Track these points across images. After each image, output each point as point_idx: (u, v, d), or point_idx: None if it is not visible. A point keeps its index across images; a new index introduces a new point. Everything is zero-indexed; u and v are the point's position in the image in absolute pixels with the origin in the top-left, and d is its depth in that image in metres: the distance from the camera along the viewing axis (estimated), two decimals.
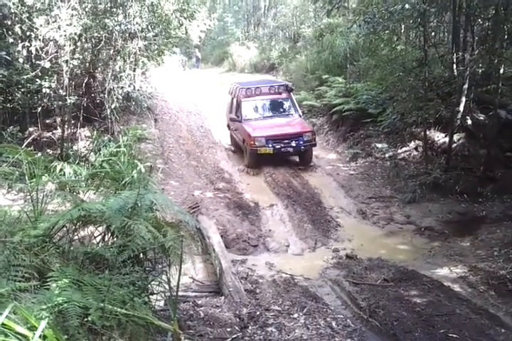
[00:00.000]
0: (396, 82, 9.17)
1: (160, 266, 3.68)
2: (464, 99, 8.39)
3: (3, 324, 1.73)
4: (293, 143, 9.95)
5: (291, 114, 11.06)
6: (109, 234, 3.65)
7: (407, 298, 4.92)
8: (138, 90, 11.03)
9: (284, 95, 11.25)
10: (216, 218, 7.49)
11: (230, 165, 10.54)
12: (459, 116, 8.38)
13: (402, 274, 5.52)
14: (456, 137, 8.33)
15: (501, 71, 7.87)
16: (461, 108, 8.40)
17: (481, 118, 8.55)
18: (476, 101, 8.68)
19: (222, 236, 6.72)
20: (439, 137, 8.82)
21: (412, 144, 9.23)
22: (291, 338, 3.86)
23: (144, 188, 3.29)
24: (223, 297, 4.96)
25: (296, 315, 4.29)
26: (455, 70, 8.39)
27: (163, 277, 3.41)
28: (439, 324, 4.38)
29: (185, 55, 23.73)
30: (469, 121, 8.56)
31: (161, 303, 3.80)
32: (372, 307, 4.86)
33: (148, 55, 10.64)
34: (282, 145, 9.97)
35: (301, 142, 9.98)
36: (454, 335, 4.19)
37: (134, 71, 10.39)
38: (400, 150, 9.46)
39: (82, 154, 8.93)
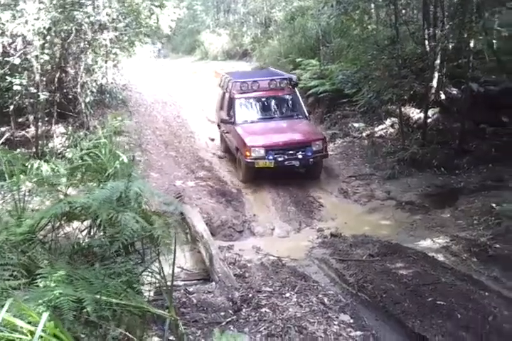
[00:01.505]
0: (370, 61, 9.23)
1: (149, 257, 3.70)
2: (436, 74, 8.52)
3: (3, 319, 1.73)
4: (299, 155, 8.01)
5: (296, 116, 9.08)
6: (96, 228, 3.65)
7: (394, 271, 5.05)
8: (111, 83, 10.85)
9: (286, 91, 9.25)
10: (200, 206, 7.51)
11: (209, 154, 10.51)
12: (433, 91, 8.53)
13: (386, 248, 5.65)
14: (430, 112, 8.47)
15: (471, 45, 8.00)
16: (435, 83, 8.53)
17: (454, 92, 8.71)
18: (448, 75, 8.83)
19: (207, 224, 6.74)
20: (414, 113, 8.95)
21: (388, 122, 9.36)
22: (286, 317, 3.94)
23: (129, 178, 3.27)
24: (214, 283, 5.01)
25: (288, 295, 4.37)
26: (427, 46, 8.49)
27: (153, 267, 3.44)
28: (427, 293, 4.52)
29: (157, 46, 23.38)
30: (443, 96, 8.71)
31: (151, 294, 3.83)
32: (360, 282, 4.98)
33: (120, 46, 10.43)
34: (286, 157, 8.03)
35: (310, 153, 8.02)
36: (442, 302, 4.33)
37: (106, 63, 10.20)
38: (376, 129, 9.58)
39: (59, 151, 8.80)
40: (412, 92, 8.86)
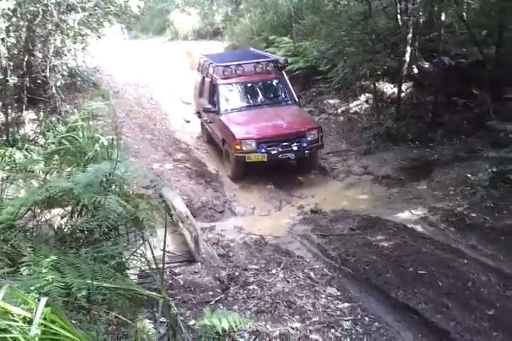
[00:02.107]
0: (343, 36, 9.21)
1: (133, 240, 3.69)
2: (409, 48, 8.57)
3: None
4: (294, 146, 7.35)
5: (286, 102, 8.39)
6: (78, 213, 3.60)
7: (375, 243, 5.17)
8: (82, 65, 10.53)
9: (274, 75, 8.52)
10: (179, 189, 7.47)
11: (185, 136, 10.41)
12: (406, 65, 8.58)
13: (366, 222, 5.77)
14: (404, 87, 8.55)
15: (442, 18, 8.04)
16: (407, 57, 8.58)
17: (426, 66, 8.79)
18: (420, 49, 8.89)
19: (187, 205, 6.73)
20: (388, 88, 9.03)
21: (363, 97, 9.41)
22: (274, 293, 4.01)
23: (113, 161, 3.21)
24: (199, 263, 5.03)
25: (274, 271, 4.44)
26: (399, 20, 8.50)
27: (138, 251, 3.43)
28: (408, 263, 4.65)
29: (126, 27, 22.72)
30: (416, 70, 8.79)
31: (135, 277, 3.83)
32: (342, 255, 5.08)
33: (89, 27, 10.08)
34: (280, 149, 7.34)
35: (305, 144, 7.39)
36: (423, 272, 4.47)
37: (75, 44, 9.87)
38: (351, 105, 9.62)
39: (31, 138, 8.57)
40: (385, 67, 8.92)
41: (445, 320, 3.80)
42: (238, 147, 7.38)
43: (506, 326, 3.64)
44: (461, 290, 4.16)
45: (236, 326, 3.34)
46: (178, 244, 5.88)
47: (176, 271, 4.86)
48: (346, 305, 3.75)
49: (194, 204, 7.12)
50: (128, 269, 3.56)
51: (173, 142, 9.83)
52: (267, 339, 3.39)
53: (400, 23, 8.58)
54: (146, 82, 14.04)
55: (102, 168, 3.08)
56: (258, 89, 8.50)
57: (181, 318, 3.59)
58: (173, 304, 2.94)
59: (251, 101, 8.35)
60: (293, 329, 3.48)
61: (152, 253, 2.86)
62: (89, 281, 2.48)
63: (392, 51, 8.83)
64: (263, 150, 7.30)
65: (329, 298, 3.86)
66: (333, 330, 3.44)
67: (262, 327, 3.52)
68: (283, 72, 8.63)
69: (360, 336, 3.38)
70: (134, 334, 2.42)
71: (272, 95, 8.53)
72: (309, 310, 3.67)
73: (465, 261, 4.60)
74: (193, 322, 3.64)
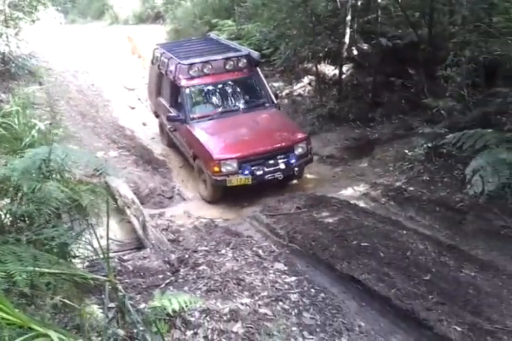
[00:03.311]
0: (284, 19, 9.25)
1: (79, 228, 3.62)
2: (348, 30, 8.74)
3: None
4: (281, 164, 6.25)
5: (264, 105, 7.21)
6: (18, 202, 3.48)
7: (321, 220, 5.35)
8: (15, 51, 9.99)
9: (247, 72, 7.27)
10: (125, 176, 7.32)
11: (130, 122, 10.18)
12: (346, 47, 8.76)
13: (312, 200, 5.93)
14: (344, 68, 8.74)
15: (379, 1, 8.26)
16: (347, 39, 8.76)
17: (365, 47, 9.03)
18: (359, 31, 9.10)
19: (135, 193, 6.64)
20: (330, 70, 9.19)
21: (306, 80, 9.54)
22: (223, 272, 4.07)
23: (50, 145, 3.11)
24: (149, 249, 5.02)
25: (223, 251, 4.50)
26: (338, 2, 8.64)
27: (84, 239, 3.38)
28: (352, 237, 4.86)
29: (62, 10, 21.67)
30: (355, 52, 9.00)
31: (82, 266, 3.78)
32: (290, 233, 5.22)
33: (21, 10, 9.52)
34: (266, 168, 6.22)
35: (294, 160, 6.30)
36: (366, 244, 4.70)
37: (7, 28, 9.32)
38: (295, 87, 9.73)
39: None
40: (326, 49, 9.06)
41: (386, 287, 4.03)
42: (217, 169, 6.13)
43: (440, 289, 3.92)
44: (401, 259, 4.41)
45: (186, 306, 3.40)
46: (127, 232, 5.81)
47: (125, 257, 4.83)
48: (293, 278, 3.88)
49: (142, 192, 7.03)
50: (74, 257, 3.50)
51: (117, 129, 9.59)
52: (218, 316, 3.46)
53: (339, 6, 8.74)
54: (86, 69, 13.52)
55: (39, 152, 2.97)
56: (231, 91, 7.28)
57: (131, 302, 3.60)
58: (120, 287, 2.94)
59: (224, 107, 7.08)
60: (242, 305, 3.57)
61: (98, 241, 2.83)
62: (30, 268, 2.42)
63: (332, 33, 8.99)
64: (246, 172, 6.14)
65: (277, 273, 3.97)
66: (281, 303, 3.56)
67: (213, 305, 3.59)
68: (257, 68, 7.42)
69: (306, 307, 3.52)
70: (80, 315, 2.40)
71: (248, 97, 7.27)
72: (258, 286, 3.77)
73: (404, 232, 4.87)
74: (143, 305, 3.65)
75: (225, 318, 3.44)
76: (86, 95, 11.52)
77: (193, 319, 3.45)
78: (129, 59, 14.46)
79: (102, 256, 3.22)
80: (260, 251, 4.36)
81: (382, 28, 8.52)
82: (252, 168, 6.18)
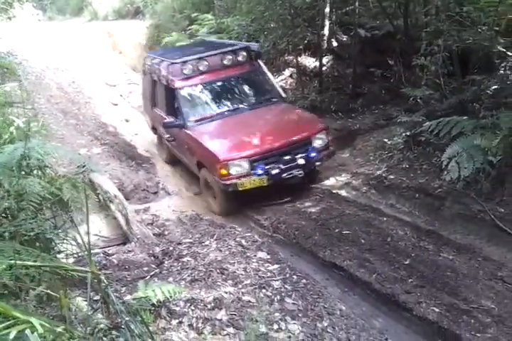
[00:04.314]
0: (263, 12, 9.27)
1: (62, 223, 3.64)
2: (327, 22, 8.79)
3: None
4: (300, 159, 5.56)
5: (271, 100, 6.51)
6: None
7: (303, 210, 5.44)
8: None
9: (249, 66, 6.62)
10: (109, 173, 7.34)
11: (113, 119, 10.14)
12: (325, 39, 8.82)
13: (295, 190, 6.00)
14: (325, 60, 8.79)
15: None
16: (326, 31, 8.82)
17: (344, 39, 9.10)
18: (338, 23, 9.16)
19: (119, 189, 6.65)
20: (310, 62, 9.23)
21: (287, 72, 9.57)
22: (207, 262, 4.12)
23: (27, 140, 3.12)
24: (133, 243, 5.05)
25: (207, 242, 4.55)
26: None
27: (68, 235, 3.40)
28: (334, 225, 4.96)
29: (40, 8, 21.42)
30: (335, 43, 9.06)
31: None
32: (274, 223, 5.31)
33: None
34: (282, 166, 5.50)
35: (314, 154, 5.61)
36: (347, 232, 4.80)
37: None
38: (276, 80, 9.77)
39: None
40: (306, 42, 9.10)
41: (368, 273, 4.14)
42: (224, 171, 5.42)
43: (420, 272, 4.03)
44: (382, 245, 4.51)
45: (171, 296, 3.46)
46: (113, 228, 5.83)
47: (110, 251, 4.85)
48: (276, 266, 3.94)
49: (126, 187, 7.05)
50: (59, 253, 3.52)
51: (99, 126, 9.57)
52: (202, 304, 3.52)
53: None
54: (66, 66, 13.42)
55: (18, 147, 2.99)
56: (233, 89, 6.61)
57: (116, 294, 3.64)
58: (103, 278, 2.97)
59: (227, 106, 6.38)
60: (226, 293, 3.63)
61: (80, 236, 2.86)
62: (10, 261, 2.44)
63: (310, 25, 9.03)
64: (260, 172, 5.43)
65: (260, 261, 4.03)
66: (264, 291, 3.62)
67: (197, 294, 3.64)
68: (259, 61, 6.73)
69: (289, 293, 3.59)
70: (62, 304, 2.44)
71: (253, 94, 6.59)
72: (241, 275, 3.83)
73: (384, 218, 4.97)
74: (128, 297, 3.69)
75: (209, 306, 3.49)
76: (67, 92, 11.45)
77: (177, 308, 3.50)
78: (109, 55, 14.39)
79: (86, 250, 3.26)
80: (243, 241, 4.41)
81: (360, 19, 8.58)
82: (267, 167, 5.45)
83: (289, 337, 3.14)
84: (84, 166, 7.03)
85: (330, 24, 8.85)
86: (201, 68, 6.38)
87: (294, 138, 5.65)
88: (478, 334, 3.27)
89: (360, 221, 4.99)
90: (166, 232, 5.62)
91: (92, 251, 4.79)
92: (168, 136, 6.90)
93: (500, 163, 4.48)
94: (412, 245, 4.46)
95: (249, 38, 9.73)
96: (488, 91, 5.26)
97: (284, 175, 5.50)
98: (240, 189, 5.41)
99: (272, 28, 9.15)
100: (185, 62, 6.33)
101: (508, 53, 5.08)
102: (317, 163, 5.77)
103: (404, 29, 7.34)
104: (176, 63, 6.36)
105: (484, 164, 4.43)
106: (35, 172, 3.72)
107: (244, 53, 6.57)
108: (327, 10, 8.67)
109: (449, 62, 5.66)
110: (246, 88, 6.67)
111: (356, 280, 4.14)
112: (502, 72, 5.28)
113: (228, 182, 5.44)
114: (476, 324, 3.37)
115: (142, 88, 8.39)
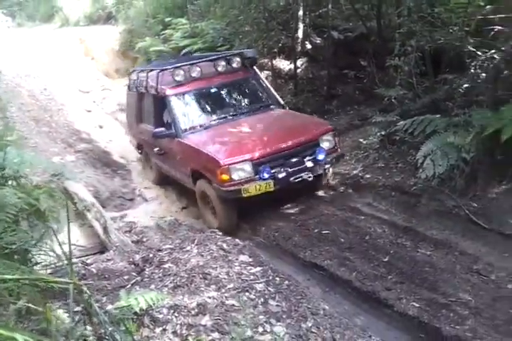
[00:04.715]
0: (238, 15, 9.31)
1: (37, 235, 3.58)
2: (301, 25, 8.88)
3: None
4: (308, 162, 5.27)
5: (269, 106, 6.28)
6: None
7: (282, 211, 5.47)
8: None
9: (243, 73, 6.39)
10: (84, 180, 7.23)
11: (86, 126, 10.01)
12: (299, 42, 8.90)
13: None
14: (299, 62, 8.87)
15: None
16: (300, 34, 8.90)
17: (318, 41, 9.19)
18: (312, 26, 9.26)
19: (95, 197, 6.56)
20: (285, 65, 9.30)
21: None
22: (189, 268, 4.10)
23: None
24: (112, 251, 4.99)
25: (188, 248, 4.52)
26: None
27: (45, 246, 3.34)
28: (313, 225, 5.00)
29: (9, 14, 21.02)
30: (309, 46, 9.15)
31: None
32: (252, 226, 5.32)
33: None
34: (289, 169, 5.17)
35: (322, 155, 5.32)
36: (326, 231, 4.84)
37: None
38: None
39: None
40: (280, 44, 9.17)
41: (348, 271, 4.19)
42: (225, 176, 5.00)
43: (399, 269, 4.10)
44: (360, 243, 4.57)
45: (154, 303, 3.42)
46: (89, 237, 5.74)
47: (88, 261, 4.78)
48: (258, 269, 3.95)
49: (102, 195, 6.98)
50: (36, 264, 3.46)
51: (73, 133, 9.45)
52: (186, 311, 3.49)
53: (291, 1, 8.86)
54: (38, 73, 13.17)
55: None
56: (227, 95, 6.36)
57: (97, 305, 3.59)
58: (85, 288, 2.92)
59: (222, 113, 6.08)
60: (210, 298, 3.62)
61: (60, 246, 2.81)
62: None
63: (285, 28, 9.10)
64: (265, 175, 5.04)
65: (242, 265, 4.03)
66: (247, 294, 3.63)
67: (180, 300, 3.61)
68: (254, 67, 6.56)
69: (272, 295, 3.60)
70: (47, 317, 2.40)
71: (249, 101, 6.37)
72: (224, 279, 3.82)
73: (362, 217, 5.04)
74: (110, 307, 3.64)
75: (193, 312, 3.47)
76: (39, 100, 11.24)
77: (161, 316, 3.47)
78: (82, 61, 14.19)
79: (64, 261, 3.21)
80: (225, 245, 4.40)
81: (333, 21, 8.70)
82: (272, 170, 5.10)
83: (275, 339, 3.15)
84: (58, 174, 6.93)
85: (304, 27, 8.94)
86: (194, 75, 6.07)
87: (300, 139, 5.33)
88: (457, 327, 3.34)
89: (338, 220, 5.04)
90: (145, 239, 5.59)
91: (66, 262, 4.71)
92: (157, 149, 6.49)
93: (473, 159, 4.61)
94: (390, 242, 4.53)
95: (225, 42, 9.76)
96: (460, 90, 5.40)
97: (292, 178, 5.15)
98: (245, 195, 4.97)
99: (247, 31, 9.19)
100: (176, 67, 6.06)
101: (478, 53, 5.22)
102: (326, 166, 5.43)
103: (378, 30, 7.47)
104: (166, 70, 6.13)
105: (458, 161, 4.54)
106: (9, 182, 3.66)
107: (239, 59, 6.31)
108: (300, 13, 8.76)
109: (422, 62, 5.79)
110: (241, 95, 6.45)
111: (337, 279, 4.19)
112: (473, 71, 5.42)
113: (231, 188, 5.00)
114: (455, 317, 3.44)
115: (127, 106, 7.99)
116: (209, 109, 6.18)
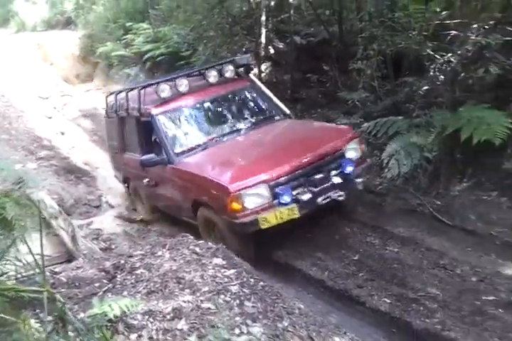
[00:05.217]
0: (201, 20, 9.32)
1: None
2: (264, 30, 8.97)
3: None
4: (335, 178, 4.39)
5: (274, 117, 5.53)
6: None
7: None
8: None
9: (240, 83, 5.69)
10: (47, 188, 7.03)
11: (47, 132, 9.76)
12: (262, 46, 9.00)
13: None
14: (263, 67, 8.97)
15: (291, 1, 8.56)
16: (263, 39, 8.99)
17: (281, 46, 9.32)
18: (274, 31, 9.39)
19: (59, 204, 6.39)
20: None
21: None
22: (162, 273, 4.05)
23: None
24: (81, 259, 4.88)
25: (160, 253, 4.47)
26: (252, 3, 8.85)
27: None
28: (284, 227, 5.02)
29: None
30: (272, 51, 9.27)
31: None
32: None
33: None
34: (315, 189, 4.31)
35: (351, 167, 4.40)
36: (298, 232, 4.90)
37: None
38: None
39: None
40: (244, 49, 9.24)
41: (320, 271, 4.28)
42: (237, 205, 4.12)
43: (369, 266, 4.22)
44: (331, 243, 4.66)
45: (128, 310, 3.38)
46: (55, 245, 5.58)
47: (57, 269, 4.65)
48: (232, 271, 3.95)
49: (66, 202, 6.83)
50: (3, 275, 3.35)
51: (34, 140, 9.22)
52: (161, 316, 3.46)
53: (254, 6, 8.95)
54: None
55: None
56: (223, 109, 5.53)
57: (70, 313, 3.51)
58: (58, 296, 2.86)
59: (220, 130, 5.28)
60: (185, 302, 3.59)
61: (33, 256, 2.75)
62: None
63: (248, 33, 9.18)
64: (287, 198, 4.15)
65: (216, 267, 4.02)
66: (222, 296, 3.63)
67: (155, 306, 3.57)
68: (250, 75, 5.86)
69: (247, 296, 3.62)
70: (26, 328, 2.33)
71: (250, 113, 5.56)
72: (198, 282, 3.80)
73: (331, 217, 5.12)
74: (82, 315, 3.56)
75: (168, 317, 3.44)
76: None
77: (135, 322, 3.42)
78: (40, 67, 13.83)
79: (32, 270, 3.12)
80: (197, 249, 4.38)
81: (295, 26, 8.84)
82: (294, 192, 4.22)
83: (252, 339, 3.16)
84: (20, 182, 6.72)
85: (266, 32, 9.04)
86: (181, 89, 5.26)
87: (322, 151, 4.44)
88: (427, 320, 3.46)
89: (309, 222, 5.11)
90: (113, 246, 5.52)
91: (37, 271, 4.61)
92: (147, 180, 5.61)
93: (435, 158, 4.80)
94: (360, 241, 4.64)
95: (189, 47, 9.75)
96: (420, 92, 5.61)
97: (320, 199, 4.28)
98: (263, 227, 4.09)
99: (211, 36, 9.22)
100: (160, 83, 5.27)
101: (436, 56, 5.45)
102: (357, 180, 4.50)
103: (340, 35, 7.65)
104: (148, 86, 5.40)
105: (421, 160, 4.72)
106: None
107: (232, 68, 5.58)
108: (263, 18, 8.85)
109: (383, 65, 5.98)
110: (240, 107, 5.63)
111: (310, 278, 4.26)
112: (432, 73, 5.64)
113: (244, 219, 4.10)
114: (425, 310, 3.56)
115: (107, 137, 7.07)
116: (204, 126, 5.35)
